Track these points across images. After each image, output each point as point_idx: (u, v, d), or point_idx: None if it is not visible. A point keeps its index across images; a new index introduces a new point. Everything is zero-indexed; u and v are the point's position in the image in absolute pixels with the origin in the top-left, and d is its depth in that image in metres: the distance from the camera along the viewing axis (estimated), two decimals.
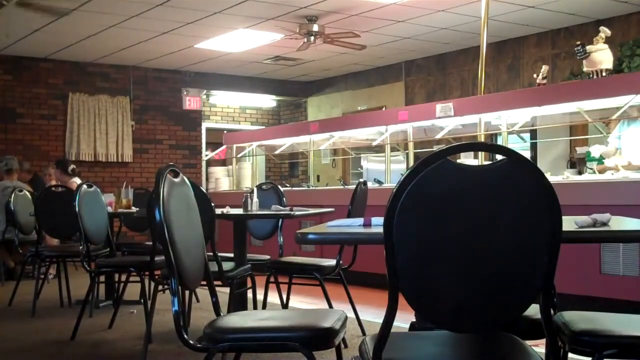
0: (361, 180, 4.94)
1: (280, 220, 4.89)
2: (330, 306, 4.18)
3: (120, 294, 5.26)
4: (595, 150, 5.83)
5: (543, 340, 1.92)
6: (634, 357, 1.97)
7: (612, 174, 5.29)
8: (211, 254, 3.44)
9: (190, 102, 11.91)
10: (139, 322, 4.80)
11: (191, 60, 10.94)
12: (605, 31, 5.84)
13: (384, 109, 10.85)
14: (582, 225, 2.01)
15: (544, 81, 6.35)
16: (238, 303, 4.16)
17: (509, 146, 4.51)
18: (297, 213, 4.09)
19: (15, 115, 10.45)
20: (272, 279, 4.48)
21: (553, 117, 6.62)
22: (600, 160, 5.93)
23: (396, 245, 1.71)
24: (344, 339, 3.78)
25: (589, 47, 5.76)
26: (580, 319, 2.10)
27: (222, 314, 2.39)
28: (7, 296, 6.01)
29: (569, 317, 2.12)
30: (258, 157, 10.69)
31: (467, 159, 6.33)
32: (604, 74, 5.73)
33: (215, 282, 2.60)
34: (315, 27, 8.45)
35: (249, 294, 4.49)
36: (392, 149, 7.92)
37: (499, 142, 7.13)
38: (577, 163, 7.69)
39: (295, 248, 6.70)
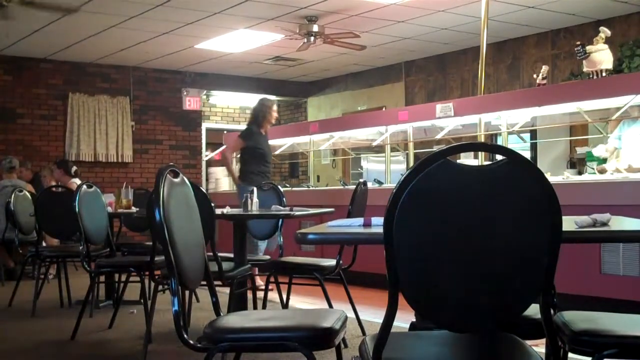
0: (361, 180, 4.95)
1: (280, 220, 4.89)
2: (330, 306, 4.18)
3: (120, 294, 5.26)
4: (599, 150, 5.81)
5: (543, 340, 1.92)
6: (634, 357, 1.97)
7: (612, 173, 5.29)
8: (211, 254, 3.44)
9: (190, 102, 11.91)
10: (139, 322, 4.80)
11: (191, 61, 10.94)
12: (605, 31, 5.84)
13: (384, 109, 10.85)
14: (582, 225, 2.01)
15: (544, 81, 6.36)
16: (238, 303, 4.16)
17: (509, 146, 4.51)
18: (297, 213, 4.09)
19: (15, 115, 10.45)
20: (272, 279, 4.48)
21: (553, 117, 6.62)
22: (600, 161, 5.93)
23: (396, 245, 1.71)
24: (344, 339, 3.79)
25: (588, 48, 5.76)
26: (580, 319, 2.10)
27: (222, 314, 2.39)
28: (7, 296, 6.00)
29: (569, 317, 2.12)
30: None
31: (467, 159, 6.33)
32: (604, 74, 5.74)
33: (215, 282, 2.60)
34: (315, 28, 8.46)
35: (249, 294, 4.49)
36: (392, 149, 7.92)
37: (499, 142, 7.13)
38: (577, 163, 7.69)
39: (295, 248, 6.70)
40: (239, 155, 7.04)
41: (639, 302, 4.65)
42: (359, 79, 12.02)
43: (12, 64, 10.39)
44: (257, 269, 5.20)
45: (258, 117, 6.81)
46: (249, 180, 6.49)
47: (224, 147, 10.08)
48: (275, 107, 6.91)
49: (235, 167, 8.04)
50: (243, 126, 12.74)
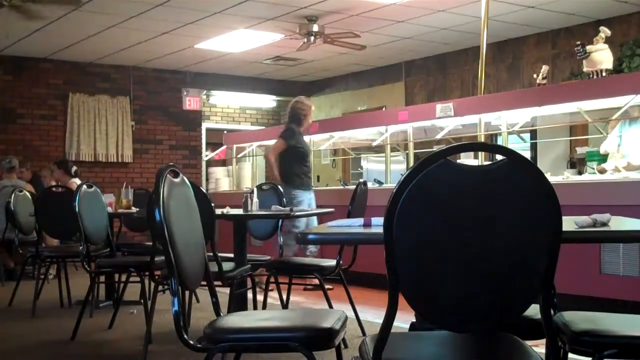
0: (361, 180, 4.95)
1: (280, 220, 4.89)
2: (330, 306, 4.18)
3: (120, 294, 5.26)
4: (608, 144, 5.78)
5: (543, 341, 1.92)
6: (634, 357, 1.97)
7: (612, 173, 5.29)
8: (211, 254, 3.44)
9: (190, 102, 11.91)
10: (139, 323, 4.80)
11: (191, 61, 10.94)
12: (605, 31, 5.84)
13: (384, 109, 10.85)
14: (582, 225, 2.01)
15: (544, 81, 6.35)
16: (238, 303, 4.16)
17: (509, 146, 4.51)
18: (296, 213, 4.09)
19: (15, 115, 10.46)
20: (272, 279, 4.48)
21: (553, 117, 6.62)
22: (601, 160, 5.93)
23: (396, 245, 1.71)
24: (344, 339, 3.79)
25: (589, 47, 5.76)
26: (580, 319, 2.10)
27: (222, 315, 2.39)
28: (7, 296, 6.01)
29: (569, 317, 2.12)
30: (258, 158, 10.68)
31: (467, 159, 6.32)
32: (604, 74, 5.73)
33: (215, 283, 2.60)
34: (315, 27, 8.46)
35: (249, 294, 4.49)
36: (392, 149, 7.92)
37: (499, 142, 7.13)
38: (577, 163, 7.69)
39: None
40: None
41: (639, 302, 4.65)
42: (359, 78, 12.02)
43: (12, 64, 10.39)
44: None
45: (298, 116, 6.63)
46: (293, 181, 6.34)
47: (223, 147, 10.10)
48: (313, 107, 6.77)
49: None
50: (243, 126, 12.86)
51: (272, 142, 9.44)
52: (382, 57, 10.75)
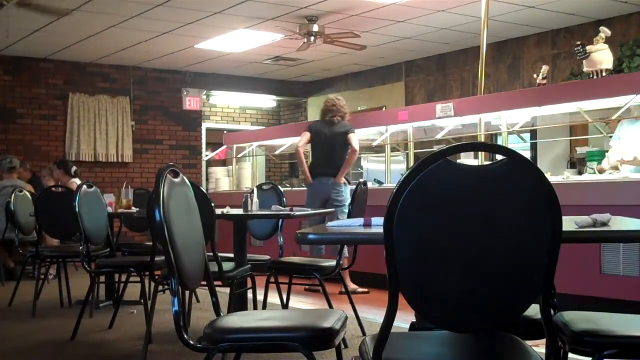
0: (361, 180, 4.95)
1: (280, 220, 4.89)
2: (330, 306, 4.18)
3: (120, 294, 5.26)
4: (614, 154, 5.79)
5: (543, 340, 1.92)
6: (634, 357, 1.97)
7: (611, 173, 5.29)
8: (211, 254, 3.44)
9: (190, 102, 11.91)
10: (139, 322, 4.80)
11: (191, 61, 10.94)
12: (605, 31, 5.84)
13: (384, 109, 10.85)
14: (582, 225, 2.01)
15: (544, 81, 6.36)
16: (238, 303, 4.16)
17: (509, 146, 4.51)
18: (297, 213, 4.09)
19: (15, 115, 10.46)
20: (272, 279, 4.47)
21: (553, 117, 6.62)
22: (600, 161, 5.93)
23: (396, 245, 1.71)
24: (344, 339, 3.79)
25: (589, 47, 5.76)
26: (580, 319, 2.10)
27: (222, 314, 2.39)
28: (7, 296, 6.01)
29: (569, 317, 2.12)
30: (258, 157, 10.68)
31: (467, 159, 6.32)
32: (604, 74, 5.74)
33: (215, 282, 2.60)
34: (315, 27, 8.46)
35: (249, 294, 4.49)
36: (392, 149, 7.92)
37: (499, 142, 7.13)
38: (577, 163, 7.69)
39: (295, 248, 6.70)
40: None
41: (639, 302, 4.65)
42: (359, 78, 12.02)
43: (12, 64, 10.39)
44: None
45: (345, 113, 6.58)
46: (347, 177, 6.32)
47: (223, 147, 10.08)
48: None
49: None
50: (243, 126, 12.86)
51: (272, 142, 9.49)
52: (382, 57, 10.75)
